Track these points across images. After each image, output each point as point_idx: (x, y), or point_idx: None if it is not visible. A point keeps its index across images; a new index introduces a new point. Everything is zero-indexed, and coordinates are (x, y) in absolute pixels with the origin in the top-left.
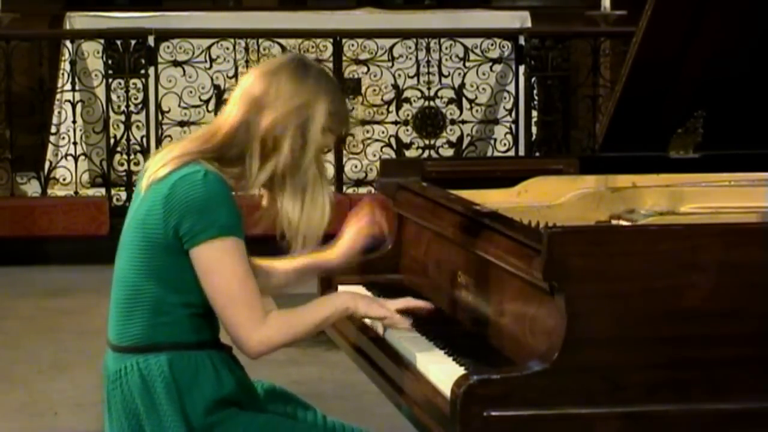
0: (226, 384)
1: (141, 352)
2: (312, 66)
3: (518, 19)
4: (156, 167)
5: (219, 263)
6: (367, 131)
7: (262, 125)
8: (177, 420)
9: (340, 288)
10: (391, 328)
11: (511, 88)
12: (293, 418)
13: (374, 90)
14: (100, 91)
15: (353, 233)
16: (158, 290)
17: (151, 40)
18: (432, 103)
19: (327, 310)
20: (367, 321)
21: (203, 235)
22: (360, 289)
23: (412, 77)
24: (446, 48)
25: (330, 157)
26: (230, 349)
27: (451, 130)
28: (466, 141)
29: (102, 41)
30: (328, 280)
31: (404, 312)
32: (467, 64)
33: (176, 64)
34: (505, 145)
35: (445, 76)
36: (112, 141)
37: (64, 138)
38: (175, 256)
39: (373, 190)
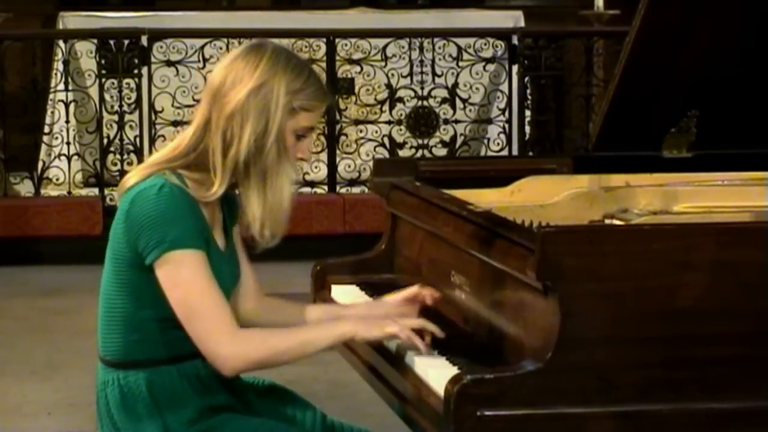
0: (213, 391)
1: (121, 368)
2: (267, 46)
3: (511, 19)
4: (127, 177)
5: (175, 276)
6: (361, 131)
7: (221, 118)
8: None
9: (334, 287)
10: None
11: (505, 87)
12: (292, 417)
13: (367, 90)
14: (94, 91)
15: (400, 300)
16: (130, 305)
17: (144, 40)
18: (425, 103)
19: (322, 335)
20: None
21: (156, 251)
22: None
23: (405, 77)
24: (439, 48)
25: (323, 156)
26: None
27: (444, 129)
28: (459, 140)
29: (95, 41)
30: (321, 279)
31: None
32: (460, 63)
33: (169, 63)
34: (498, 144)
35: (439, 76)
36: (105, 141)
37: (57, 138)
38: (141, 271)
39: (366, 190)
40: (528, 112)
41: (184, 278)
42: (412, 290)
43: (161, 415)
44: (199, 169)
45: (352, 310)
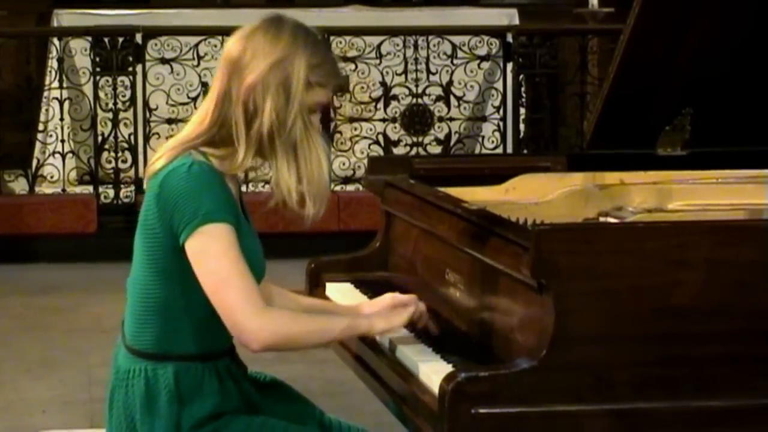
0: (229, 396)
1: (151, 359)
2: (287, 21)
3: (506, 17)
4: (153, 159)
5: (206, 248)
6: (355, 128)
7: (242, 89)
8: (168, 428)
9: (328, 285)
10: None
11: (499, 85)
12: (291, 414)
13: (362, 87)
14: (88, 89)
15: (388, 302)
16: (166, 293)
17: (138, 38)
18: (420, 101)
19: (342, 326)
20: None
21: (189, 226)
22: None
23: (399, 74)
24: (434, 45)
25: None
26: (236, 356)
27: (439, 127)
28: (454, 138)
29: (89, 39)
30: (316, 277)
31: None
32: (455, 61)
33: (164, 61)
34: (493, 142)
35: (433, 74)
36: (99, 138)
37: (51, 136)
38: (176, 255)
39: (361, 188)
40: (522, 110)
41: (214, 250)
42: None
43: (179, 411)
44: (224, 144)
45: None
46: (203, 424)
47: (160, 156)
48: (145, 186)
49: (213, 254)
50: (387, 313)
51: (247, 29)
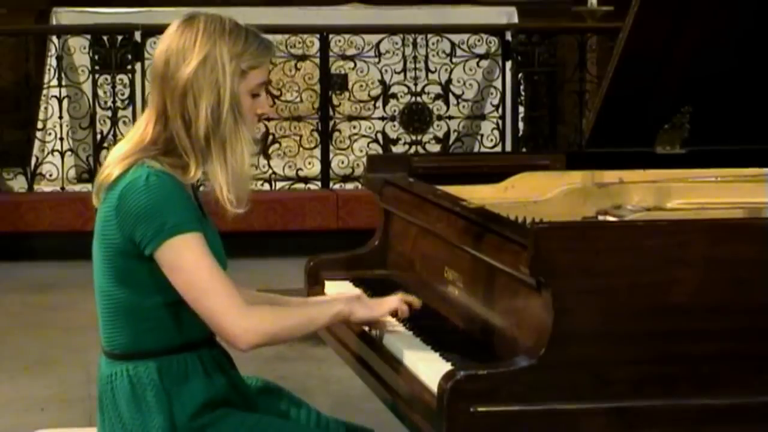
0: (218, 385)
1: (130, 359)
2: (198, 18)
3: (505, 15)
4: (106, 171)
5: (179, 260)
6: (354, 127)
7: (175, 99)
8: (163, 425)
9: (327, 283)
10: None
11: (498, 83)
12: (286, 415)
13: (361, 85)
14: (87, 87)
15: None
16: (133, 296)
17: (137, 36)
18: (419, 99)
19: (322, 312)
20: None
21: (156, 240)
22: (352, 289)
23: (398, 73)
24: (433, 44)
25: (317, 152)
26: (218, 345)
27: (437, 125)
28: (453, 137)
29: (88, 37)
30: (315, 275)
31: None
32: (454, 59)
33: None
34: (491, 140)
35: (432, 72)
36: (98, 137)
37: (50, 134)
38: (138, 262)
39: (359, 186)
40: (521, 108)
41: (188, 262)
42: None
43: (169, 406)
44: (172, 155)
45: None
46: (199, 415)
47: (111, 167)
48: (96, 197)
49: (187, 266)
50: (369, 302)
51: (165, 37)
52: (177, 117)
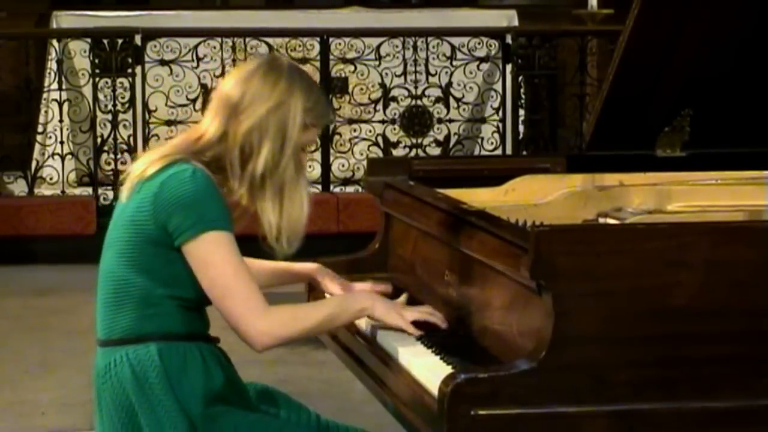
0: (215, 377)
1: (130, 343)
2: (282, 64)
3: (505, 18)
4: (143, 167)
5: (212, 256)
6: (354, 130)
7: (239, 133)
8: (174, 410)
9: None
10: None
11: (498, 86)
12: (286, 418)
13: (361, 89)
14: (87, 90)
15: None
16: (147, 283)
17: (138, 39)
18: (419, 102)
19: (338, 307)
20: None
21: (193, 230)
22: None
23: (399, 76)
24: (433, 47)
25: (317, 156)
26: (218, 341)
27: (438, 128)
28: (453, 140)
29: (89, 40)
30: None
31: (418, 325)
32: (454, 62)
33: (163, 63)
34: (492, 143)
35: (432, 75)
36: (99, 140)
37: (50, 137)
38: (164, 250)
39: (360, 189)
40: (522, 111)
41: (220, 258)
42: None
43: (173, 389)
44: (218, 173)
45: (310, 267)
46: (207, 404)
47: (149, 164)
48: (126, 192)
49: (217, 262)
50: (389, 307)
51: (245, 72)
52: (236, 147)
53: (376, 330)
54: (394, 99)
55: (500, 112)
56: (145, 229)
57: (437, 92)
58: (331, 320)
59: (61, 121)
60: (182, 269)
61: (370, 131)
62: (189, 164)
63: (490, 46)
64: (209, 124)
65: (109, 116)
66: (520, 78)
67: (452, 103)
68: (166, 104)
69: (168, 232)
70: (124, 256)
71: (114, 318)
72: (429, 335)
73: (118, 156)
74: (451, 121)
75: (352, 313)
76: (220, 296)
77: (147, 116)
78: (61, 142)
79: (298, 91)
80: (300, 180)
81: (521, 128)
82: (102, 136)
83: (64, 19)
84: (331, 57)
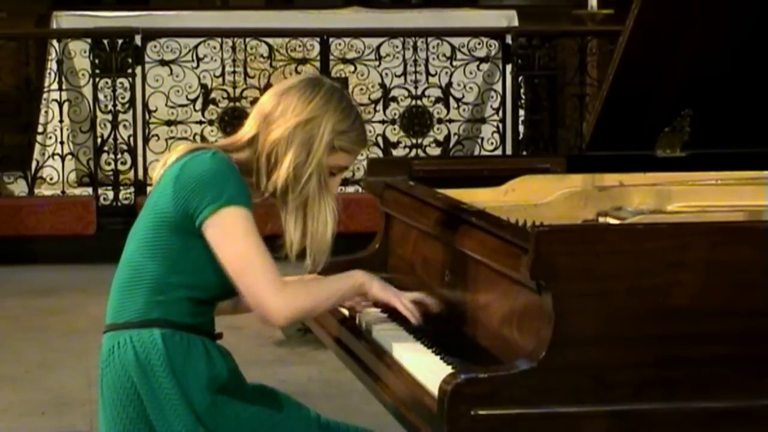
0: (218, 367)
1: (135, 327)
2: (324, 83)
3: (505, 18)
4: (171, 159)
5: (232, 229)
6: None
7: (268, 141)
8: (176, 395)
9: None
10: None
11: (498, 87)
12: (287, 415)
13: (361, 89)
14: (87, 91)
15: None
16: (160, 269)
17: (138, 40)
18: (419, 102)
19: (343, 282)
20: (355, 320)
21: (213, 206)
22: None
23: (399, 76)
24: (433, 47)
25: None
26: (220, 337)
27: (438, 129)
28: (453, 140)
29: (89, 40)
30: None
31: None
32: (454, 63)
33: (163, 63)
34: (492, 144)
35: (432, 75)
36: (99, 140)
37: (50, 137)
38: (181, 237)
39: (360, 189)
40: (522, 112)
41: (240, 233)
42: (417, 296)
43: (176, 375)
44: (246, 175)
45: None
46: (210, 392)
47: (177, 150)
48: (156, 176)
49: (237, 236)
50: (386, 285)
51: (285, 85)
52: (263, 155)
53: (376, 330)
54: (394, 99)
55: (500, 113)
56: (166, 212)
57: (437, 92)
58: (339, 295)
59: (61, 121)
60: (199, 258)
61: (370, 131)
62: (210, 151)
63: (490, 46)
64: (244, 130)
65: (109, 116)
66: (520, 78)
67: (452, 103)
68: (166, 104)
69: (188, 213)
70: (143, 242)
71: (123, 303)
72: (429, 336)
73: (118, 156)
74: (451, 121)
75: (352, 287)
76: (240, 271)
77: (147, 116)
78: (61, 143)
79: (332, 111)
80: (324, 197)
81: (521, 128)
82: (102, 136)
83: (65, 20)
84: (331, 57)
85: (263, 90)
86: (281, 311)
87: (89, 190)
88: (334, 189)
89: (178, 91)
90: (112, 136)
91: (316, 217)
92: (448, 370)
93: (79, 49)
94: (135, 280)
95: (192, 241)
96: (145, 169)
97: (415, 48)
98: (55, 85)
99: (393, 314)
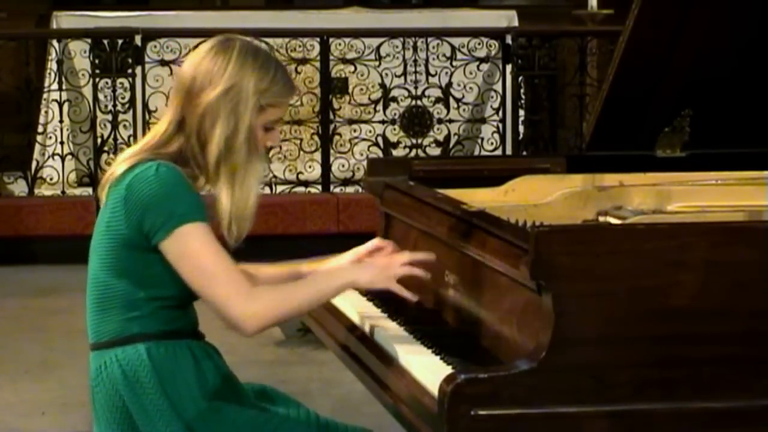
0: (208, 373)
1: (118, 345)
2: (234, 44)
3: (505, 18)
4: (113, 169)
5: (187, 248)
6: (354, 130)
7: (195, 118)
8: (167, 409)
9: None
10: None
11: (498, 87)
12: (285, 416)
13: (361, 89)
14: (87, 91)
15: (353, 255)
16: (127, 288)
17: (138, 40)
18: (419, 102)
19: (326, 284)
20: (355, 320)
21: (166, 228)
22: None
23: (399, 76)
24: (433, 47)
25: (317, 156)
26: (203, 336)
27: (438, 129)
28: (453, 140)
29: (89, 40)
30: None
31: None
32: (454, 63)
33: (163, 63)
34: (492, 144)
35: (432, 75)
36: (99, 140)
37: (51, 137)
38: (140, 253)
39: (360, 190)
40: (522, 112)
41: (195, 249)
42: (373, 243)
43: (164, 387)
44: (185, 165)
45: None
46: (200, 401)
47: (119, 164)
48: (101, 194)
49: (193, 254)
50: (371, 271)
51: (197, 55)
52: (193, 134)
53: (377, 330)
54: (394, 99)
55: (500, 113)
56: (121, 233)
57: (437, 92)
58: (319, 297)
59: (61, 121)
60: (162, 270)
61: (370, 131)
62: (153, 162)
63: (490, 46)
64: (168, 113)
65: (110, 116)
66: (520, 78)
67: (452, 103)
68: (166, 104)
69: (143, 233)
70: (105, 262)
71: (100, 322)
72: (429, 336)
73: None
74: (451, 121)
75: (337, 287)
76: (202, 285)
77: (147, 116)
78: (61, 143)
79: (250, 72)
80: (251, 164)
81: (521, 129)
82: (102, 136)
83: (65, 20)
84: (331, 57)
85: None
86: (249, 320)
87: (89, 190)
88: (276, 141)
89: None
90: (112, 136)
91: (243, 184)
92: (448, 370)
93: (79, 49)
94: (106, 300)
95: (152, 257)
96: None
97: (415, 48)
98: (55, 85)
99: (389, 308)
